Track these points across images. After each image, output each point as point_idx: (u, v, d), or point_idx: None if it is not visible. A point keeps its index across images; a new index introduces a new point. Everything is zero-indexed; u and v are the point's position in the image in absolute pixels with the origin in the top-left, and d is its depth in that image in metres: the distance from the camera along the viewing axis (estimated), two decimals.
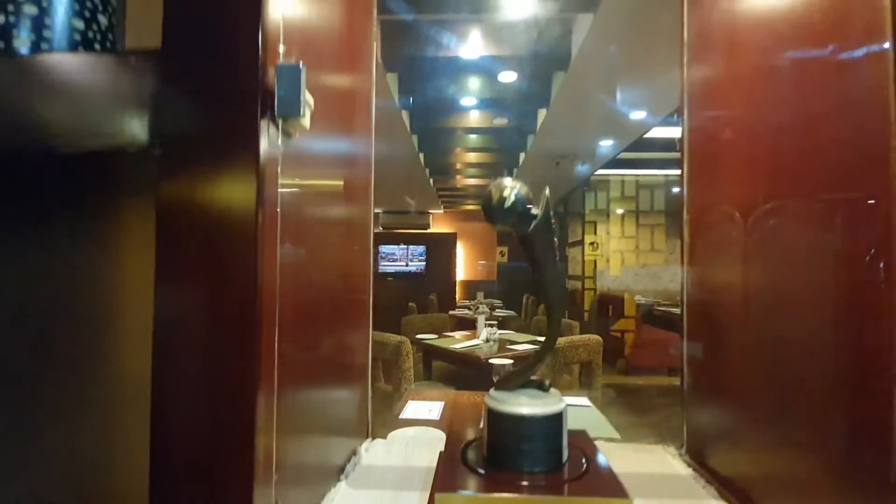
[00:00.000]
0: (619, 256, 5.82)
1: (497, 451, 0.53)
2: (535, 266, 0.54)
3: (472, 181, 6.94)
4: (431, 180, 6.42)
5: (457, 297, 9.32)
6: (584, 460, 0.54)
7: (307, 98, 0.41)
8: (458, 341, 3.77)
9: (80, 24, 0.45)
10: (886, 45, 0.35)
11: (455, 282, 9.64)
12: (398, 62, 2.96)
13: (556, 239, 0.53)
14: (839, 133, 0.41)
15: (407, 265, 9.49)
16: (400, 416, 1.74)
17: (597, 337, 3.14)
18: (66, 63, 0.39)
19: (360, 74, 0.76)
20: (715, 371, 0.68)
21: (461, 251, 9.84)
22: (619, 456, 0.72)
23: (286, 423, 0.42)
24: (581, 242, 6.20)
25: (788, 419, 0.50)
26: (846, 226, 0.41)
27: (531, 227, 0.52)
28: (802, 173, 0.48)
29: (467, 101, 3.77)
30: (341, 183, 0.61)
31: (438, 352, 3.65)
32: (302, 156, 0.45)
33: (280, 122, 0.38)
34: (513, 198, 0.51)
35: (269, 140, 0.37)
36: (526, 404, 0.52)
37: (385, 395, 3.05)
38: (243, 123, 0.36)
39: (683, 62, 0.74)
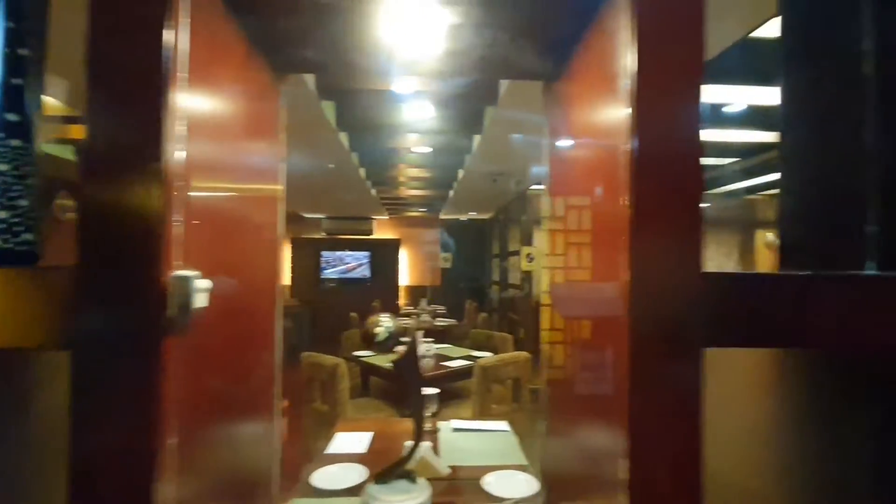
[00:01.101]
0: (549, 273, 6.12)
1: None
2: (403, 387, 0.67)
3: (415, 192, 7.08)
4: (374, 191, 6.49)
5: (400, 302, 9.42)
6: None
7: (203, 286, 0.51)
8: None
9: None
10: (625, 197, 0.50)
11: (399, 287, 9.74)
12: (334, 92, 3.04)
13: (420, 369, 0.66)
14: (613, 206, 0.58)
15: (350, 271, 9.48)
16: (325, 452, 1.83)
17: (525, 354, 3.33)
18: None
19: (262, 109, 0.87)
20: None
21: (405, 256, 9.94)
22: None
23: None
24: (519, 253, 6.47)
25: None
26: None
27: (397, 358, 0.65)
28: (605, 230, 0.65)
29: (403, 126, 3.89)
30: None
31: (375, 370, 3.75)
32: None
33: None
34: (384, 335, 0.64)
35: (169, 329, 0.47)
36: (396, 501, 0.65)
37: (320, 415, 3.12)
38: (146, 322, 0.46)
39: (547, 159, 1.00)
